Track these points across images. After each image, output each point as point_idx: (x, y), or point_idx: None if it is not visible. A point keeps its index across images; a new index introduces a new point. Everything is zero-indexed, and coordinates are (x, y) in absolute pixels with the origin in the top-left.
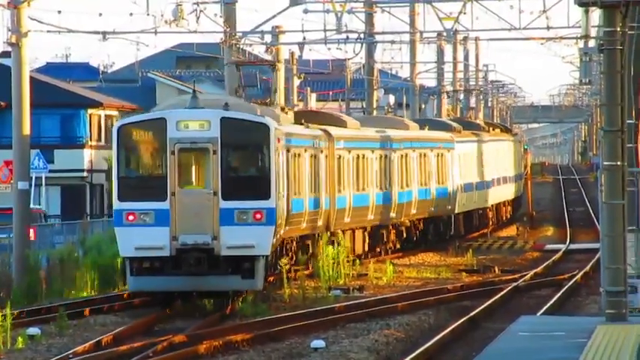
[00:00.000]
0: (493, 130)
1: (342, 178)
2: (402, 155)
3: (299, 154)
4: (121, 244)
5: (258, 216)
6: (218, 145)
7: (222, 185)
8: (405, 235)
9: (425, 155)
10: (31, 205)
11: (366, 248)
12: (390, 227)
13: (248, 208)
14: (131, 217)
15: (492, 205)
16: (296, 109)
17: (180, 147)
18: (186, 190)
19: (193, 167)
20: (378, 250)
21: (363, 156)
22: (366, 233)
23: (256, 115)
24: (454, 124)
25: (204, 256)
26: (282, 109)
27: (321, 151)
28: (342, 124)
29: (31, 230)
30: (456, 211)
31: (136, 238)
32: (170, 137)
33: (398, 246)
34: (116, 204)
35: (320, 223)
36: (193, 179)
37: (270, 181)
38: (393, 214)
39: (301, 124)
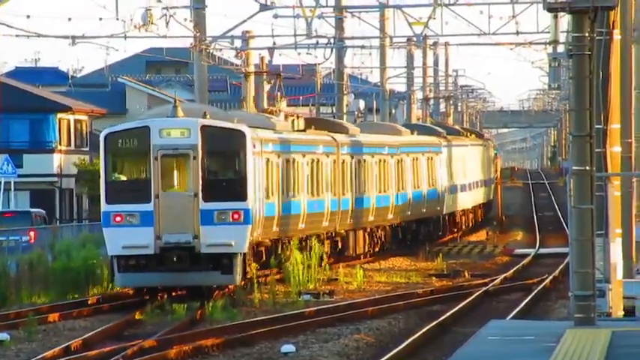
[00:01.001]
0: (470, 135)
1: (345, 181)
2: (398, 160)
3: (294, 160)
4: (109, 243)
5: (235, 216)
6: (198, 151)
7: (203, 188)
8: (400, 235)
9: (417, 159)
10: (31, 209)
11: (367, 249)
12: (388, 228)
13: (226, 209)
14: (118, 219)
15: (473, 207)
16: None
17: (163, 153)
18: (169, 192)
19: (175, 172)
20: (377, 249)
21: (365, 161)
22: (366, 234)
23: (233, 123)
24: (440, 130)
25: (186, 254)
26: (287, 117)
27: (327, 156)
28: (344, 130)
29: (31, 233)
30: (444, 212)
31: (122, 238)
32: (153, 144)
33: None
34: (104, 206)
35: (326, 223)
36: (175, 183)
37: (246, 184)
38: (390, 216)
39: (303, 130)
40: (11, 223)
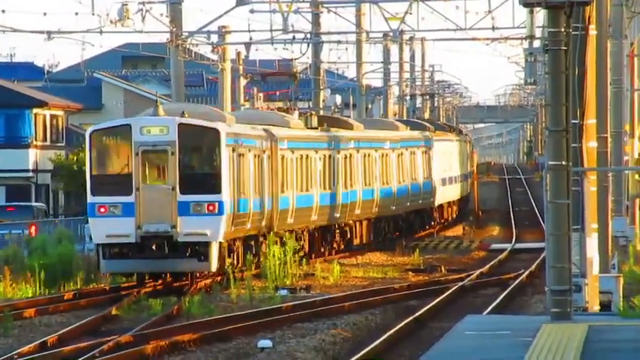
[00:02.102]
0: (452, 131)
1: (353, 175)
2: (398, 154)
3: (307, 156)
4: (94, 232)
5: (210, 207)
6: (176, 147)
7: (180, 181)
8: (401, 225)
9: (414, 153)
10: (33, 203)
11: (371, 237)
12: (389, 218)
13: (202, 200)
14: (102, 210)
15: (456, 201)
16: (243, 109)
17: (143, 149)
18: (149, 185)
19: (155, 166)
20: (380, 239)
21: (369, 155)
22: (371, 224)
23: (209, 121)
24: (429, 125)
25: (165, 242)
26: (301, 115)
27: (338, 152)
28: (350, 127)
29: (33, 227)
30: (436, 204)
31: (106, 228)
32: (135, 141)
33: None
34: (90, 198)
35: (338, 215)
36: (155, 176)
37: (221, 178)
38: (393, 207)
39: (316, 128)
40: (14, 217)
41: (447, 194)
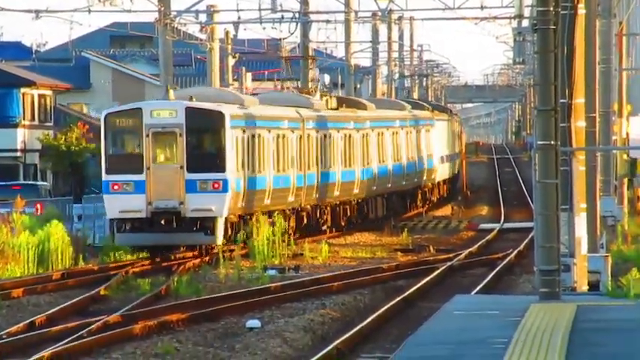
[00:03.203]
0: (444, 111)
1: (370, 152)
2: (407, 132)
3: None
4: (108, 208)
5: (216, 185)
6: (183, 129)
7: (187, 161)
8: (433, 194)
9: (419, 132)
10: (37, 182)
11: (385, 212)
12: (425, 189)
13: (208, 179)
14: (116, 187)
15: (447, 179)
16: (231, 88)
17: (153, 131)
18: (159, 165)
19: (164, 147)
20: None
21: (382, 133)
22: (384, 199)
23: (215, 104)
24: (428, 105)
25: (174, 218)
26: (323, 96)
27: (357, 131)
28: (364, 107)
29: (38, 205)
30: (437, 180)
31: (119, 204)
32: (145, 123)
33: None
34: (104, 176)
35: (357, 190)
36: (164, 156)
37: (225, 157)
38: (403, 182)
39: (336, 108)
40: (21, 195)
41: (443, 172)
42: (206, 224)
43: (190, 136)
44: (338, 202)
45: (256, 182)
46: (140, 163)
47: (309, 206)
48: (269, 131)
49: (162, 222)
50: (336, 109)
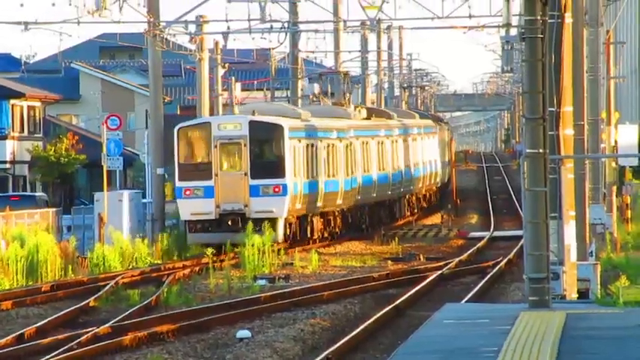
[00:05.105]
0: (438, 120)
1: (397, 158)
2: (422, 139)
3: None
4: (181, 211)
5: (276, 189)
6: (247, 140)
7: (251, 168)
8: (424, 203)
9: (429, 139)
10: (35, 193)
11: (411, 211)
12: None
13: (269, 184)
14: (188, 192)
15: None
16: (220, 98)
17: (221, 142)
18: (226, 172)
19: (230, 156)
20: (416, 211)
21: (405, 140)
22: (412, 198)
23: (274, 117)
24: (429, 115)
25: (239, 219)
26: (355, 107)
27: (387, 138)
28: (389, 116)
29: (36, 216)
30: (440, 184)
31: (191, 207)
32: (214, 135)
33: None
34: (177, 183)
35: (390, 192)
36: (230, 164)
37: (284, 165)
38: (420, 185)
39: (368, 118)
40: (19, 206)
41: (443, 177)
42: (268, 224)
43: (253, 146)
44: (374, 203)
45: (311, 187)
46: (209, 170)
47: (353, 207)
48: (321, 141)
49: (229, 223)
50: (369, 118)
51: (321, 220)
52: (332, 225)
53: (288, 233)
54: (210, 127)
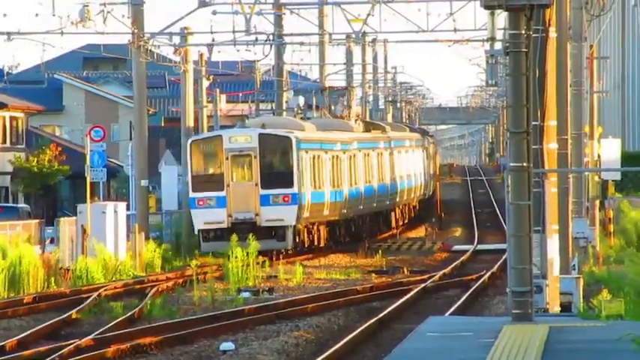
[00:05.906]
0: (425, 133)
1: (394, 169)
2: (413, 151)
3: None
4: (195, 220)
5: (286, 199)
6: (257, 152)
7: (261, 179)
8: (416, 210)
9: (420, 151)
10: (18, 205)
11: (405, 221)
12: (411, 205)
13: (279, 193)
14: (201, 202)
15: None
16: (205, 110)
17: (232, 154)
18: (237, 182)
19: (241, 167)
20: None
21: (400, 152)
22: (406, 208)
23: (283, 130)
24: (417, 128)
25: (250, 227)
26: (355, 120)
27: (386, 150)
28: (384, 129)
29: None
30: (429, 194)
31: (204, 216)
32: (225, 148)
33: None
34: (191, 194)
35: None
36: (241, 175)
37: (293, 175)
38: (412, 195)
39: (368, 130)
40: (1, 218)
41: (433, 187)
42: (278, 232)
43: (263, 157)
44: (374, 212)
45: (317, 196)
46: (221, 181)
47: (355, 216)
48: (326, 152)
49: (241, 231)
50: (368, 131)
51: (327, 228)
52: (337, 234)
53: (297, 241)
54: (222, 140)
